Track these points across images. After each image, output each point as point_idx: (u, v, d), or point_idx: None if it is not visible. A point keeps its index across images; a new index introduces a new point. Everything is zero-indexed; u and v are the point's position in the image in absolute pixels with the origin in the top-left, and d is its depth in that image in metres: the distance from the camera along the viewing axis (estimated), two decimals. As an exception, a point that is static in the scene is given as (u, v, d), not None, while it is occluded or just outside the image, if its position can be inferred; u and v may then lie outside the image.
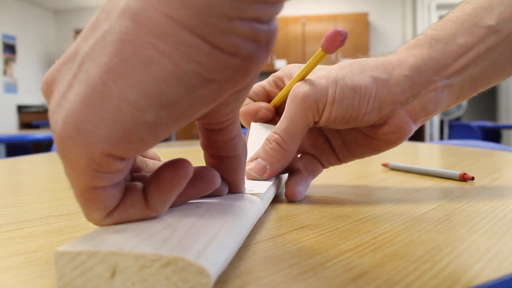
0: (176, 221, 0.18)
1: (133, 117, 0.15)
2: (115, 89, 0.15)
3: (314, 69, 0.33)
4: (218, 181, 0.22)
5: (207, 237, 0.16)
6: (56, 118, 0.16)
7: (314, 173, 0.36)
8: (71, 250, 0.15)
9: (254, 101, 0.38)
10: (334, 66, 0.33)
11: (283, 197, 0.33)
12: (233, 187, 0.25)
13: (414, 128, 0.33)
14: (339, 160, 0.36)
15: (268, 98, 0.38)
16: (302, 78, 0.32)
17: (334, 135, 0.35)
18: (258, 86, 0.38)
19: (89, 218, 0.18)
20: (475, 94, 0.34)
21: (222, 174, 0.23)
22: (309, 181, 0.35)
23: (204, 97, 0.16)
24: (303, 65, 0.33)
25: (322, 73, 0.32)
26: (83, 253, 0.15)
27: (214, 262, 0.15)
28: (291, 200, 0.32)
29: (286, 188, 0.33)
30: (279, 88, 0.37)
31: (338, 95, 0.31)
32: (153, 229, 0.17)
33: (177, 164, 0.19)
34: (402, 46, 0.34)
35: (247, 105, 0.37)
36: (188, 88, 0.15)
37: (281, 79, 0.37)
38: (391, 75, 0.31)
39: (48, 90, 0.17)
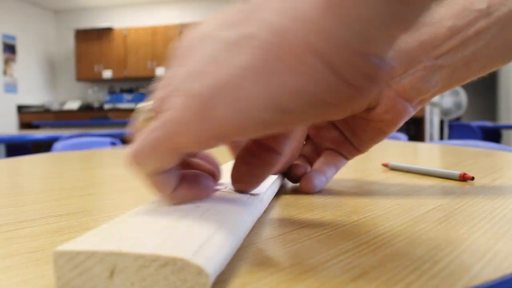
0: (175, 221, 0.18)
1: (253, 112, 0.17)
2: (249, 85, 0.17)
3: None
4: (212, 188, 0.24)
5: (205, 237, 0.16)
6: (188, 85, 0.19)
7: (336, 166, 0.38)
8: (70, 250, 0.15)
9: None
10: None
11: (284, 197, 0.33)
12: (256, 182, 0.25)
13: (409, 107, 0.34)
14: (357, 149, 0.38)
15: None
16: None
17: (345, 127, 0.38)
18: None
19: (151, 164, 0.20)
20: (472, 77, 0.35)
21: (253, 167, 0.25)
22: (330, 174, 0.37)
23: (315, 114, 0.18)
24: None
25: None
26: (82, 253, 0.15)
27: (212, 262, 0.15)
28: (306, 192, 0.34)
29: (302, 181, 0.35)
30: None
31: None
32: (152, 229, 0.17)
33: (208, 178, 0.24)
34: None
35: None
36: (305, 104, 0.17)
37: None
38: None
39: (184, 53, 0.21)
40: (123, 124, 4.13)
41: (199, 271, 0.14)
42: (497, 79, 5.09)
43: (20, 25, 5.92)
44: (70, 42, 6.50)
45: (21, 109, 5.93)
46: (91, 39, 6.22)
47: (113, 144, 1.64)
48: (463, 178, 0.39)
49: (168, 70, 0.22)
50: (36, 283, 0.16)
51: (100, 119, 5.18)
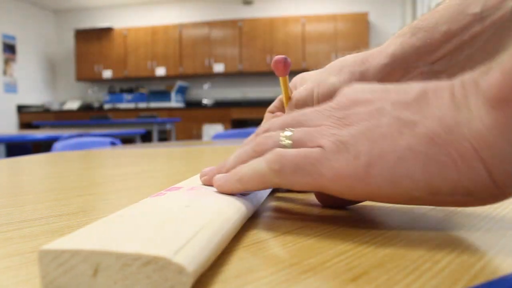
0: (163, 221, 0.18)
1: (406, 188, 0.20)
2: (408, 165, 0.20)
3: (307, 75, 0.38)
4: None
5: (189, 236, 0.16)
6: (353, 144, 0.21)
7: None
8: (55, 248, 0.15)
9: (272, 112, 0.40)
10: (321, 69, 0.37)
11: (283, 197, 0.33)
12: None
13: None
14: None
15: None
16: (289, 98, 0.36)
17: None
18: (278, 100, 0.40)
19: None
20: None
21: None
22: None
23: (458, 202, 0.21)
24: (309, 73, 0.38)
25: (311, 79, 0.36)
26: (66, 251, 0.15)
27: (195, 261, 0.15)
28: (296, 191, 0.34)
29: None
30: None
31: (321, 94, 0.34)
32: (139, 228, 0.17)
33: None
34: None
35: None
36: (454, 193, 0.20)
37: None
38: (370, 65, 0.34)
39: (343, 108, 0.23)
40: (123, 124, 4.13)
41: (180, 270, 0.14)
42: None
43: (20, 25, 5.92)
44: (70, 42, 6.50)
45: (21, 109, 5.93)
46: (91, 39, 6.22)
47: (113, 144, 1.64)
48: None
49: (314, 110, 0.25)
50: (36, 283, 0.16)
51: (100, 119, 5.18)
